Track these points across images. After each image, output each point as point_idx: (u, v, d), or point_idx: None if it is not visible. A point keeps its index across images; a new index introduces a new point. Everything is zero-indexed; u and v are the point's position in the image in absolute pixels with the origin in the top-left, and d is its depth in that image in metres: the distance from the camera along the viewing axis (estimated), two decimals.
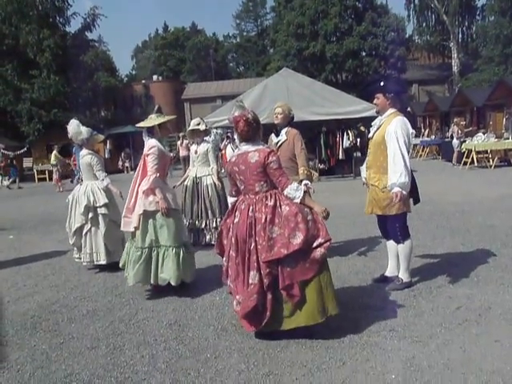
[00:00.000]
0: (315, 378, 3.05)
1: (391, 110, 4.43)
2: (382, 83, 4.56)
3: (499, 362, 3.09)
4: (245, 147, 3.64)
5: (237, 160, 3.64)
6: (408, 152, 4.35)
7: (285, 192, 3.53)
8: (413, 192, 4.47)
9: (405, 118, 4.39)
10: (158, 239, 4.68)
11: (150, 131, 4.86)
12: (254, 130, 3.64)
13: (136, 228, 4.76)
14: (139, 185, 4.81)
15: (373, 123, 4.68)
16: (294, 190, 3.51)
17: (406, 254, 4.52)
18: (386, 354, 3.29)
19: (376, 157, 4.47)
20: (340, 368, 3.15)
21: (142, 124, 4.95)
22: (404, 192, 4.21)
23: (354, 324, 3.76)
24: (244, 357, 3.38)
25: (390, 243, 4.67)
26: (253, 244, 3.49)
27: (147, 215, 4.70)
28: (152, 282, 4.71)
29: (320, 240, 3.47)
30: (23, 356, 3.63)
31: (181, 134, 21.92)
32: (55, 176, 19.22)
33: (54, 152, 20.35)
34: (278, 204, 3.51)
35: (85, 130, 5.91)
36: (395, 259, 4.69)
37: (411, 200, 4.56)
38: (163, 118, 4.91)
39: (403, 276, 4.57)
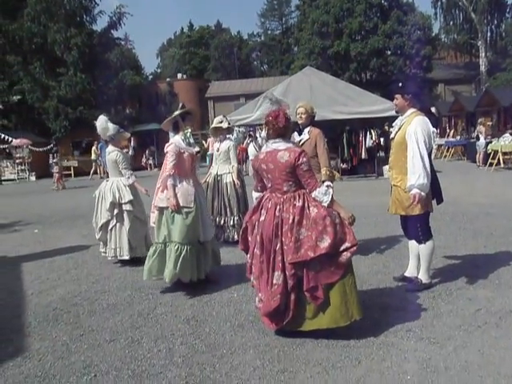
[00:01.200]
0: (330, 376, 3.05)
1: (411, 110, 4.41)
2: (400, 84, 4.55)
3: None
4: (274, 145, 3.57)
5: (265, 157, 3.58)
6: (430, 152, 4.31)
7: (313, 194, 3.49)
8: (435, 192, 4.43)
9: (425, 118, 4.35)
10: (170, 235, 4.73)
11: (175, 127, 4.92)
12: (290, 127, 3.62)
13: (154, 223, 4.89)
14: None
15: (394, 124, 4.66)
16: (323, 194, 3.48)
17: (427, 255, 4.48)
18: (403, 355, 3.26)
19: (398, 157, 4.44)
20: (355, 367, 3.14)
21: (164, 123, 5.04)
22: (423, 193, 4.16)
23: (371, 324, 3.74)
24: (259, 353, 3.40)
25: (412, 243, 4.63)
26: (278, 244, 3.47)
27: (161, 211, 4.81)
28: (167, 280, 4.76)
29: (347, 244, 3.45)
30: (44, 346, 3.72)
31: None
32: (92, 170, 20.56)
33: (94, 148, 21.08)
34: (306, 205, 3.47)
35: (111, 127, 5.98)
36: (416, 260, 4.65)
37: (434, 200, 4.51)
38: (180, 110, 4.97)
39: (423, 277, 4.52)
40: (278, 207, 3.53)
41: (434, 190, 4.41)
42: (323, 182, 5.00)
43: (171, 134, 4.97)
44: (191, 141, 4.97)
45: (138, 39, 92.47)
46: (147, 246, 6.19)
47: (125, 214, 5.96)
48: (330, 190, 3.57)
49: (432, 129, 4.37)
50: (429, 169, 4.20)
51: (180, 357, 3.41)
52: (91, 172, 21.62)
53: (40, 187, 19.06)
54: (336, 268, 3.46)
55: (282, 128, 3.58)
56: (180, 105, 5.14)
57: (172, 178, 4.75)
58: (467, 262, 5.35)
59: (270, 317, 3.55)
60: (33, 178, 23.28)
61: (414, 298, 4.31)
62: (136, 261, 5.98)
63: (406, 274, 4.72)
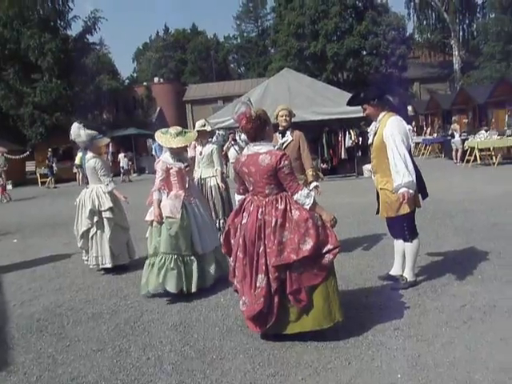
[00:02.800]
0: (321, 377, 3.06)
1: (382, 113, 4.44)
2: (362, 94, 4.59)
3: (505, 359, 3.09)
4: (255, 148, 3.55)
5: (247, 160, 3.56)
6: (410, 149, 4.36)
7: (295, 197, 3.48)
8: (420, 187, 4.48)
9: (398, 117, 4.39)
10: (158, 247, 4.79)
11: (161, 146, 5.11)
12: (260, 128, 3.55)
13: (147, 238, 5.05)
14: None
15: (369, 129, 4.72)
16: (305, 197, 3.47)
17: (413, 253, 4.53)
18: (392, 353, 3.29)
19: (380, 161, 4.46)
20: (346, 368, 3.15)
21: (161, 141, 4.92)
22: (411, 191, 4.21)
23: (358, 323, 3.76)
24: (250, 357, 3.39)
25: (398, 243, 4.67)
26: (261, 247, 3.47)
27: (150, 225, 4.92)
28: (149, 289, 4.81)
29: (329, 246, 3.46)
30: (29, 359, 3.65)
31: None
32: (79, 176, 19.90)
33: (79, 154, 20.68)
34: (288, 208, 3.47)
35: (83, 134, 5.86)
36: (401, 258, 4.69)
37: (420, 195, 4.57)
38: (183, 139, 4.89)
39: (408, 275, 4.57)
40: (260, 210, 3.53)
41: (419, 186, 4.46)
42: (310, 182, 5.04)
43: (164, 151, 5.08)
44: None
45: (113, 44, 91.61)
46: (129, 253, 6.15)
47: (105, 222, 5.89)
48: (312, 193, 3.58)
49: (407, 126, 4.42)
50: (411, 166, 4.25)
51: (170, 364, 3.38)
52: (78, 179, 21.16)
53: (17, 195, 18.68)
54: (319, 270, 3.47)
55: (249, 130, 3.54)
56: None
57: (158, 193, 4.86)
58: (450, 258, 5.42)
59: (253, 320, 3.55)
60: (9, 187, 22.81)
61: (400, 296, 4.36)
62: (119, 268, 5.92)
63: (391, 273, 4.77)
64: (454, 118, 19.40)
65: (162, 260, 4.69)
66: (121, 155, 22.07)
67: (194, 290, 4.74)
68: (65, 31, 26.83)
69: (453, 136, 17.53)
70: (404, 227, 4.47)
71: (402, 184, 4.19)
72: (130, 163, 23.25)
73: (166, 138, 4.88)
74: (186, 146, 5.28)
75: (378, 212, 4.71)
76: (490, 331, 3.51)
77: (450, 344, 3.37)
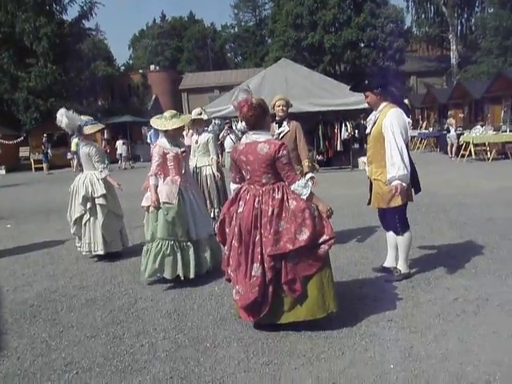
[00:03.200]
0: (314, 367, 3.07)
1: (384, 104, 4.42)
2: (366, 81, 4.57)
3: (497, 352, 3.11)
4: (254, 136, 3.54)
5: (245, 149, 3.55)
6: (407, 143, 4.36)
7: (292, 187, 3.48)
8: (414, 181, 4.49)
9: (399, 109, 4.37)
10: (155, 232, 4.76)
11: (163, 132, 4.91)
12: (260, 117, 3.55)
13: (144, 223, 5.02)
14: None
15: (368, 119, 4.68)
16: (302, 187, 3.47)
17: (405, 246, 4.54)
18: (385, 344, 3.31)
19: (376, 151, 4.45)
20: (339, 358, 3.17)
21: (156, 125, 4.92)
22: (404, 184, 4.21)
23: (352, 314, 3.78)
24: (243, 346, 3.40)
25: (390, 235, 4.69)
26: (257, 236, 3.46)
27: (147, 210, 4.89)
28: (145, 275, 4.79)
29: (325, 237, 3.47)
30: (23, 344, 3.64)
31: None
32: (74, 162, 19.71)
33: (75, 140, 20.52)
34: (285, 198, 3.46)
35: (65, 120, 5.76)
36: (394, 250, 4.71)
37: (413, 190, 4.57)
38: (178, 121, 4.86)
39: (401, 267, 4.59)
40: (256, 199, 3.52)
41: (413, 180, 4.47)
42: (306, 173, 5.03)
43: (160, 135, 5.03)
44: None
45: (109, 30, 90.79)
46: (123, 240, 6.13)
47: (98, 208, 5.86)
48: (309, 183, 3.58)
49: (407, 119, 4.41)
50: (407, 159, 4.25)
51: (163, 351, 3.38)
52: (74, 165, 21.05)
53: (10, 181, 18.60)
54: (314, 260, 3.48)
55: (250, 118, 3.53)
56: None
57: (154, 178, 4.80)
58: (444, 251, 5.45)
59: (247, 309, 3.55)
60: (2, 172, 22.71)
61: (394, 287, 4.38)
62: (112, 255, 5.91)
63: (385, 265, 4.79)
64: (449, 113, 19.45)
65: (159, 246, 4.69)
66: (119, 142, 21.97)
67: (192, 275, 4.76)
68: (60, 16, 26.58)
69: (448, 130, 17.57)
70: (396, 219, 4.48)
71: (396, 176, 4.19)
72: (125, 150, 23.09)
73: (161, 122, 4.88)
74: (182, 130, 5.24)
75: (369, 203, 4.73)
76: (483, 324, 3.54)
77: (443, 336, 3.39)
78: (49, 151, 21.72)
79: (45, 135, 21.88)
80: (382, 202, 4.47)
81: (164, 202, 4.72)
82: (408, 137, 4.43)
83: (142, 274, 4.85)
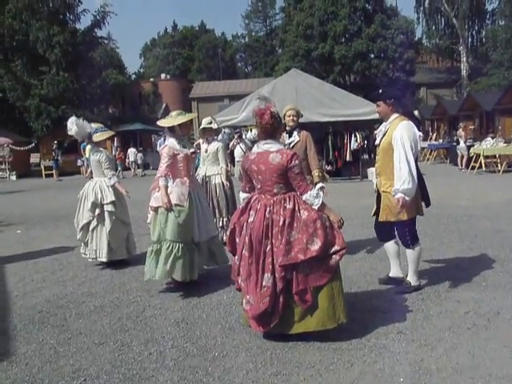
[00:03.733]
0: (323, 378, 3.04)
1: (395, 115, 4.40)
2: (380, 90, 4.56)
3: (508, 367, 3.07)
4: (266, 146, 3.55)
5: (256, 158, 3.56)
6: (416, 156, 4.33)
7: (303, 197, 3.48)
8: (424, 195, 4.46)
9: (410, 122, 4.35)
10: (163, 234, 4.73)
11: (171, 129, 4.89)
12: (277, 126, 3.59)
13: (149, 223, 4.97)
14: None
15: (378, 130, 4.67)
16: (314, 197, 3.47)
17: (415, 258, 4.51)
18: (394, 357, 3.28)
19: (385, 163, 4.42)
20: (348, 369, 3.14)
21: (162, 123, 4.96)
22: (407, 198, 4.17)
23: (362, 326, 3.75)
24: (252, 356, 3.38)
25: (388, 245, 4.68)
26: (269, 246, 3.45)
27: (155, 211, 4.83)
28: (156, 277, 4.75)
29: (336, 247, 3.46)
30: (31, 350, 3.65)
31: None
32: (84, 169, 20.04)
33: (88, 147, 20.81)
34: (296, 208, 3.46)
35: (74, 128, 5.86)
36: (396, 260, 4.69)
37: (423, 203, 4.55)
38: (184, 117, 4.91)
39: (412, 279, 4.55)
40: (267, 209, 3.51)
41: (422, 194, 4.44)
42: (316, 183, 5.03)
43: (167, 136, 4.99)
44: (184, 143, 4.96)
45: (121, 39, 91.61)
46: (128, 248, 6.13)
47: (106, 215, 5.89)
48: (321, 193, 3.57)
49: (418, 133, 4.38)
50: (415, 174, 4.21)
51: (171, 360, 3.37)
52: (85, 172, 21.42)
53: (21, 187, 18.75)
54: (325, 271, 3.46)
55: (268, 126, 3.53)
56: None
57: (164, 179, 4.76)
58: (454, 264, 5.40)
59: (257, 319, 3.53)
60: (13, 178, 22.89)
61: (403, 299, 4.34)
62: (120, 263, 5.92)
63: (391, 275, 4.76)
64: (460, 124, 19.33)
65: (170, 248, 4.68)
66: (130, 150, 22.18)
67: (195, 277, 4.83)
68: (74, 24, 26.92)
69: (458, 142, 17.47)
70: (406, 232, 4.44)
71: (400, 189, 4.16)
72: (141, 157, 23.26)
73: (167, 120, 4.93)
74: (189, 129, 5.23)
75: (374, 214, 4.70)
76: (494, 338, 3.50)
77: (454, 350, 3.36)
78: (59, 158, 21.90)
79: (55, 142, 22.07)
80: (389, 215, 4.43)
81: (175, 204, 4.71)
82: (418, 151, 4.39)
83: (145, 274, 4.80)
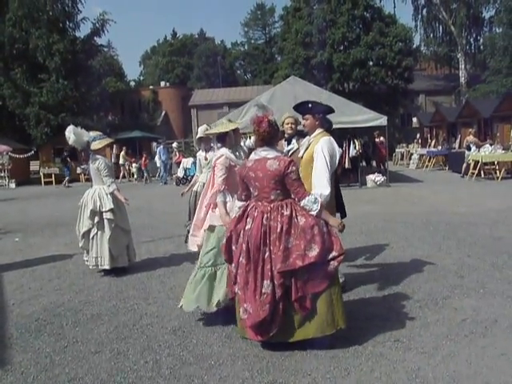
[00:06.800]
0: None
1: (319, 130, 4.48)
2: (310, 105, 4.57)
3: (506, 375, 3.06)
4: (263, 153, 3.57)
5: (254, 165, 3.57)
6: (335, 170, 4.41)
7: (301, 203, 3.49)
8: (339, 207, 4.68)
9: (331, 138, 4.41)
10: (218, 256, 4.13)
11: (221, 139, 4.39)
12: (275, 134, 3.63)
13: (199, 246, 4.42)
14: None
15: (301, 143, 4.75)
16: (312, 203, 3.48)
17: None
18: (391, 365, 3.26)
19: (307, 174, 4.31)
20: (345, 378, 3.13)
21: (214, 131, 4.60)
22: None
23: (358, 334, 3.74)
24: (248, 364, 3.36)
25: None
26: (267, 253, 3.45)
27: (212, 230, 4.24)
28: (214, 305, 4.08)
29: (334, 253, 3.47)
30: (27, 359, 3.63)
31: (174, 145, 22.42)
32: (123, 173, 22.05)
33: (122, 153, 22.37)
34: (294, 214, 3.47)
35: (72, 137, 5.87)
36: None
37: (338, 215, 4.72)
38: (235, 124, 4.52)
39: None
40: (265, 215, 3.52)
41: (338, 205, 4.61)
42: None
43: (217, 146, 4.50)
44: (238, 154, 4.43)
45: (121, 46, 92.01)
46: (129, 255, 6.12)
47: (105, 223, 5.89)
48: (319, 199, 3.57)
49: (337, 148, 4.42)
50: (329, 183, 4.06)
51: (167, 368, 3.36)
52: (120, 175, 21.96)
53: (20, 194, 18.75)
54: (323, 277, 3.46)
55: (266, 134, 3.57)
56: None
57: (222, 195, 4.21)
58: (452, 271, 5.39)
59: (256, 328, 3.50)
60: (12, 185, 22.88)
61: (401, 307, 4.33)
62: (119, 271, 5.91)
63: None
64: (470, 130, 18.96)
65: (220, 270, 4.15)
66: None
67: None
68: (73, 33, 26.99)
69: (469, 148, 16.79)
70: None
71: (318, 193, 4.10)
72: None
73: (221, 126, 4.47)
74: (240, 137, 4.71)
75: None
76: (491, 346, 3.48)
77: (451, 358, 3.34)
78: (72, 165, 21.90)
79: (65, 151, 21.95)
80: None
81: (221, 225, 4.15)
82: (335, 164, 4.36)
83: (189, 303, 4.12)
